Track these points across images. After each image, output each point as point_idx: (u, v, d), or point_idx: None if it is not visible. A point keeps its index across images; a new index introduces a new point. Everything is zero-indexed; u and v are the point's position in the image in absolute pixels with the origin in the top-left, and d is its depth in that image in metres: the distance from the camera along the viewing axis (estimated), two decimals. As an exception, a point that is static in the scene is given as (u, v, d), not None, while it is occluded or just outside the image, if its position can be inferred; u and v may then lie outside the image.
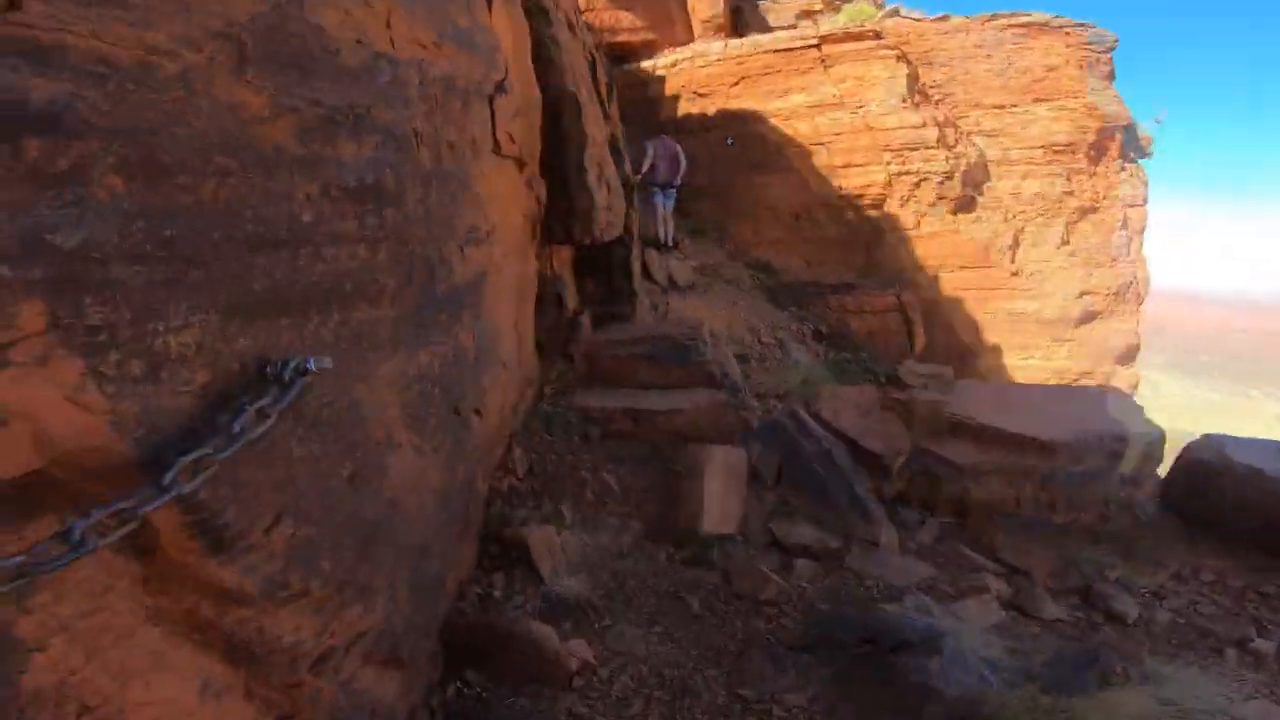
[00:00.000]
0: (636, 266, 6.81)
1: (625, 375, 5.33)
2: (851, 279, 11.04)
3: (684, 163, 9.29)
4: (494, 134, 3.39)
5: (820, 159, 11.25)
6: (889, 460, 4.76)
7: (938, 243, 11.34)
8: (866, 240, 11.50)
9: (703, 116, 11.76)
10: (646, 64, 12.23)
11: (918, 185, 11.12)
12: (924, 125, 10.90)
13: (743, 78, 11.54)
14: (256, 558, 1.61)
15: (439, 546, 2.76)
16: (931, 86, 11.32)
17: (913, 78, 11.07)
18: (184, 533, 1.45)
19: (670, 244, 9.59)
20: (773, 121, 11.35)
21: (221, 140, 1.47)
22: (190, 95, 1.41)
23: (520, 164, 4.12)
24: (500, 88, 3.46)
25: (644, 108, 11.59)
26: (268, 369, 1.56)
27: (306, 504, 1.75)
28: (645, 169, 8.87)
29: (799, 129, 11.29)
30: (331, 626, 1.85)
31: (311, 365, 1.58)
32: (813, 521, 4.44)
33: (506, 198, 3.70)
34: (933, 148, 10.91)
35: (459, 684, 2.89)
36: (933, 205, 11.20)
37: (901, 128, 10.90)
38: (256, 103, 1.57)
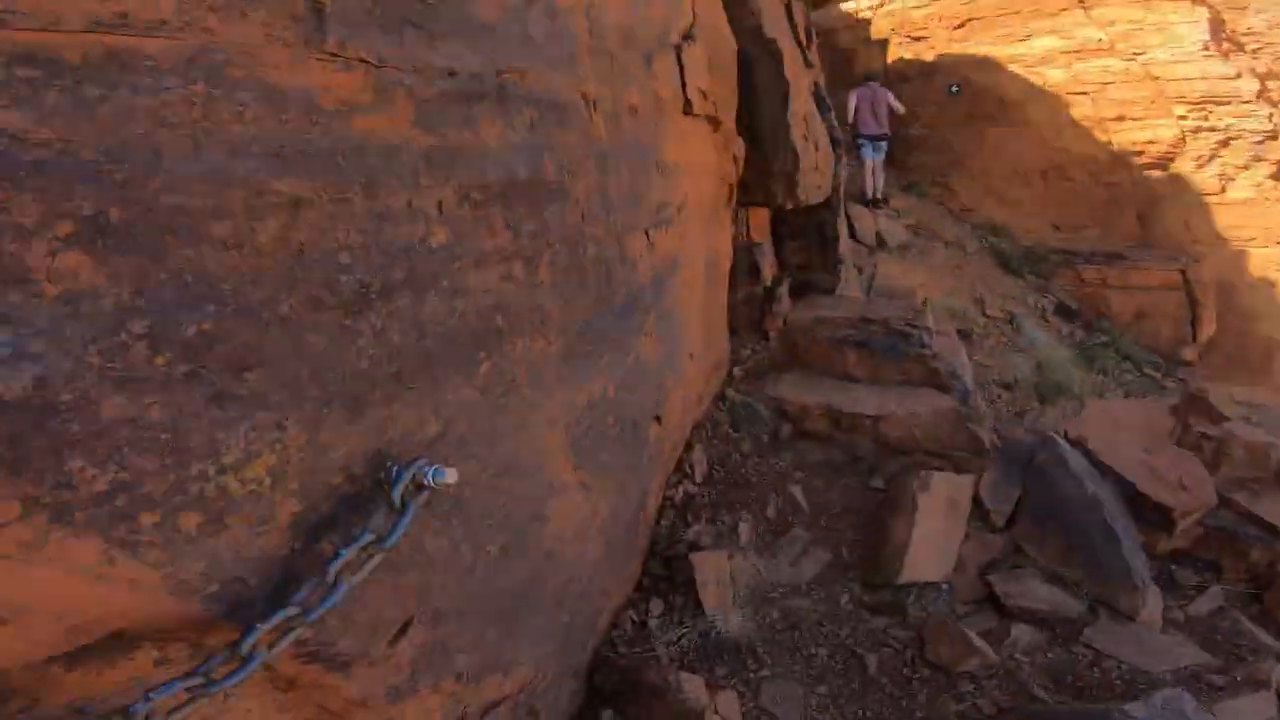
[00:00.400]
0: (843, 230, 5.90)
1: (827, 362, 4.56)
2: (1118, 248, 9.18)
3: (896, 110, 8.36)
4: (684, 91, 2.76)
5: (1080, 110, 9.69)
6: (1179, 516, 3.60)
7: (1247, 212, 9.19)
8: (1140, 204, 9.65)
9: (918, 63, 10.69)
10: (848, 5, 11.31)
11: (1224, 145, 9.15)
12: (1237, 76, 8.97)
13: (969, 19, 10.31)
14: (381, 671, 1.32)
15: (598, 585, 2.39)
16: (1245, 35, 9.39)
17: (1216, 23, 9.16)
18: (298, 659, 1.18)
19: (880, 200, 8.59)
20: (1012, 68, 10.01)
21: (285, 151, 1.00)
22: (218, 89, 0.94)
23: (714, 123, 3.45)
24: (688, 36, 2.83)
25: (845, 54, 10.91)
26: (382, 474, 1.19)
27: (442, 600, 1.42)
28: (850, 119, 8.07)
29: (1050, 77, 9.82)
30: (464, 705, 1.53)
31: (430, 479, 1.19)
32: (1050, 579, 3.48)
33: (699, 165, 3.08)
34: (1249, 103, 8.92)
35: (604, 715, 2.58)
36: (1245, 169, 9.12)
37: (1204, 78, 9.06)
38: (344, 83, 1.08)
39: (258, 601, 1.06)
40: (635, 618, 3.03)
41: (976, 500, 3.73)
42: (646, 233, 2.33)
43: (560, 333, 1.69)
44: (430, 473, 1.17)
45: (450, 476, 1.17)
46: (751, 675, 2.86)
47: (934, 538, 3.42)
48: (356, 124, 1.12)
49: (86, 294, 0.81)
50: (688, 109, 2.91)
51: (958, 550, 3.51)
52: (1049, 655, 3.07)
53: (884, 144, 8.49)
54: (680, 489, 3.65)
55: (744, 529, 3.56)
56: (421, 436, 1.24)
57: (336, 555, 1.07)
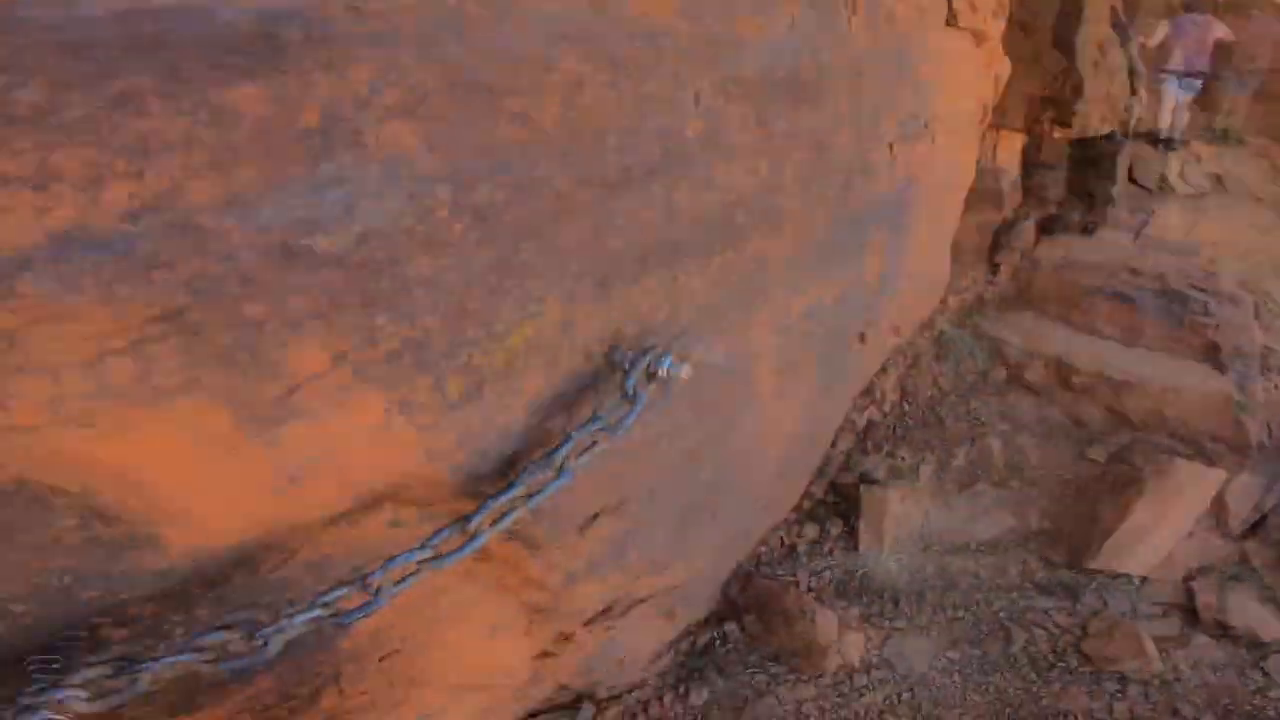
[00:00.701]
0: (1122, 170, 5.03)
1: (1069, 309, 4.01)
2: None
3: (1226, 40, 6.70)
4: (949, 1, 2.45)
5: None
6: None
7: None
8: None
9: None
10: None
11: None
12: None
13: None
14: (564, 556, 1.46)
15: (765, 499, 2.46)
16: None
17: None
18: (498, 536, 1.33)
19: (1176, 141, 7.10)
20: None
21: (570, 31, 1.03)
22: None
23: (979, 38, 3.04)
24: (961, -60, 2.45)
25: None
26: (616, 356, 1.23)
27: (634, 495, 1.52)
28: (1156, 45, 6.63)
29: None
30: (621, 593, 1.71)
31: (665, 370, 1.20)
32: (1271, 601, 3.00)
33: (954, 81, 2.75)
34: None
35: (715, 635, 2.71)
36: None
37: None
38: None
39: (491, 476, 1.15)
40: (785, 539, 3.06)
41: (1218, 498, 3.24)
42: (891, 146, 2.17)
43: (793, 236, 1.66)
44: (666, 364, 1.17)
45: (685, 370, 1.18)
46: (886, 623, 2.83)
47: (1150, 529, 3.05)
48: (633, 8, 1.13)
49: (405, 159, 0.89)
50: (951, 20, 2.57)
51: (1170, 547, 3.11)
52: (1217, 675, 2.73)
53: (1197, 82, 6.91)
54: (866, 414, 3.52)
55: (924, 471, 3.41)
56: (652, 324, 1.29)
57: (568, 438, 1.11)
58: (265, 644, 0.95)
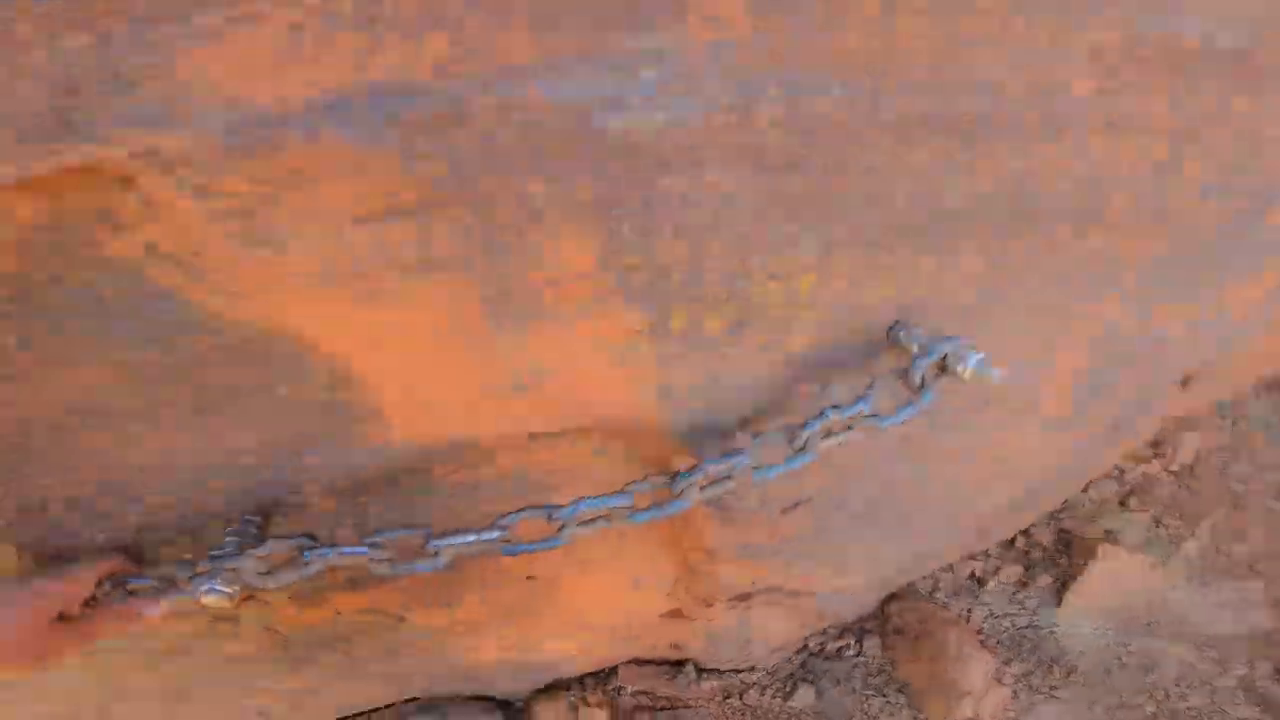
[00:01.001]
0: None
1: None
2: None
3: None
4: None
5: None
6: None
7: None
8: None
9: None
10: None
11: None
12: None
13: None
14: (751, 534, 1.34)
15: (975, 529, 2.14)
16: None
17: None
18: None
19: None
20: None
21: None
22: None
23: None
24: None
25: None
26: (903, 336, 1.01)
27: (840, 489, 1.35)
28: None
29: None
30: (779, 580, 1.60)
31: (969, 367, 0.95)
32: None
33: None
34: None
35: (851, 645, 2.50)
36: None
37: None
38: None
39: (715, 433, 1.02)
40: (978, 571, 2.70)
41: None
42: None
43: (1158, 242, 1.28)
44: (972, 360, 0.93)
45: (996, 374, 0.93)
46: (1045, 690, 2.43)
47: None
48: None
49: (728, 46, 0.73)
50: None
51: None
52: None
53: None
54: (1142, 468, 2.94)
55: (1189, 547, 2.77)
56: (935, 305, 1.06)
57: (821, 414, 0.94)
58: (437, 554, 0.93)
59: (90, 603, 0.96)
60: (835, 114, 0.81)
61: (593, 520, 0.94)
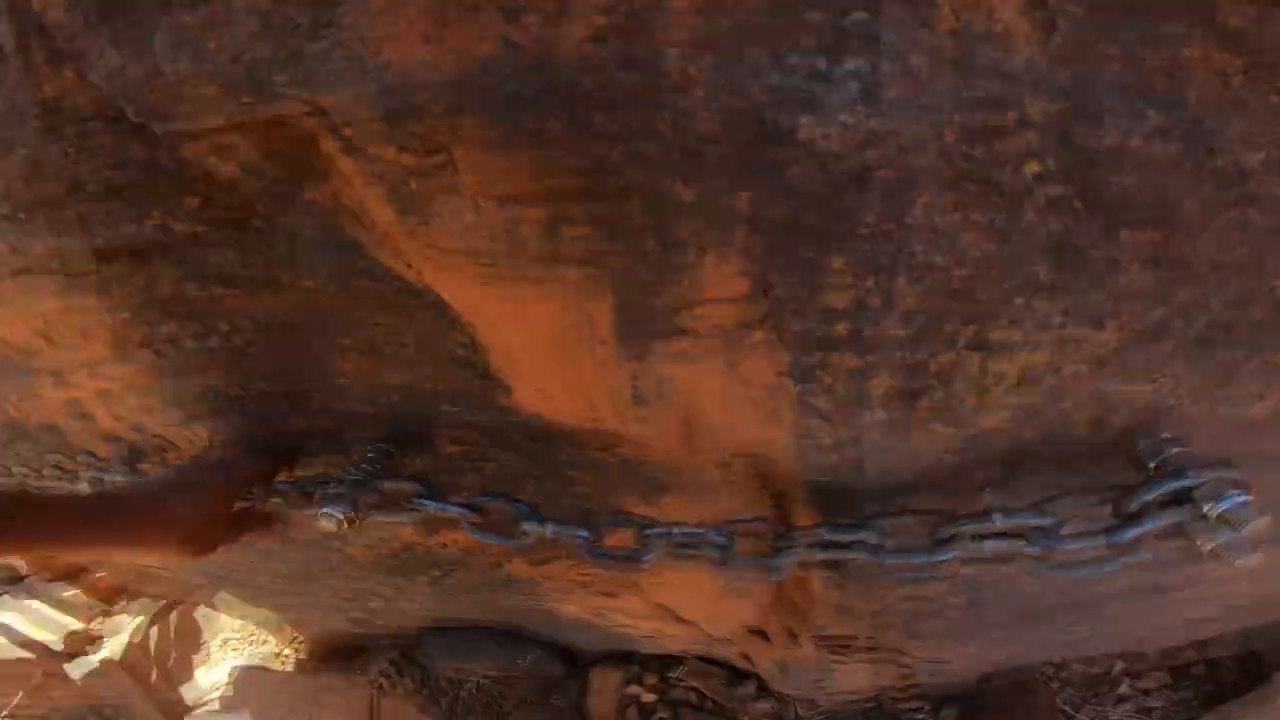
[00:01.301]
0: None
1: None
2: None
3: None
4: None
5: None
6: None
7: None
8: None
9: None
10: None
11: None
12: None
13: None
14: (861, 602, 1.21)
15: (1135, 641, 1.82)
16: None
17: None
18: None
19: None
20: None
21: None
22: None
23: None
24: None
25: None
26: (1140, 441, 0.77)
27: (989, 600, 1.18)
28: None
29: None
30: (875, 636, 1.43)
31: (1224, 506, 0.69)
32: None
33: None
34: None
35: (924, 709, 2.17)
36: None
37: None
38: None
39: (852, 499, 0.89)
40: (1116, 670, 2.23)
41: None
42: None
43: None
44: (1228, 500, 0.68)
45: (1258, 523, 0.68)
46: None
47: None
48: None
49: (984, 39, 0.53)
50: None
51: None
52: None
53: None
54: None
55: None
56: (1209, 420, 0.79)
57: (985, 513, 0.76)
58: (526, 535, 0.96)
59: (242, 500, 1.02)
60: (1138, 149, 0.57)
61: (682, 547, 0.89)
